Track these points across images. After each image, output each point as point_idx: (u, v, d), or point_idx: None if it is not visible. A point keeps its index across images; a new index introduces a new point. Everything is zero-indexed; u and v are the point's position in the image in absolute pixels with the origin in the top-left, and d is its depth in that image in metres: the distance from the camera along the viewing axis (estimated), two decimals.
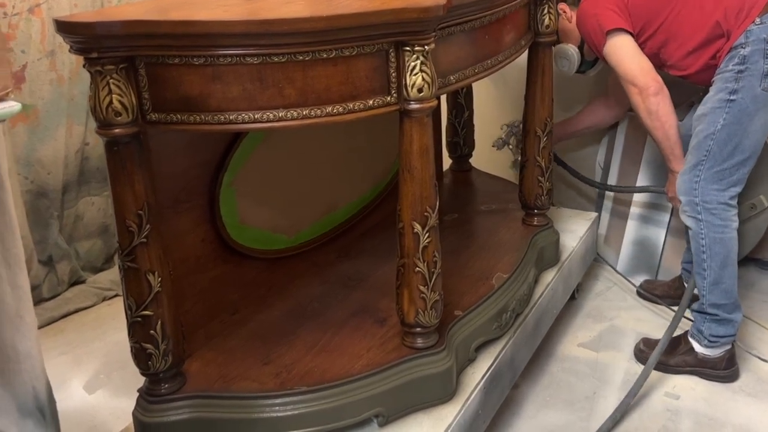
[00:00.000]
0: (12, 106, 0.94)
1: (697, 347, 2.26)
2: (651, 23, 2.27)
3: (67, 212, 2.71)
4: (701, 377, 2.27)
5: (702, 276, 2.21)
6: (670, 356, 2.28)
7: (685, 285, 2.60)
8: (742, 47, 2.07)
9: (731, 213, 2.16)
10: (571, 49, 2.51)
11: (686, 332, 2.31)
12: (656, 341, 2.28)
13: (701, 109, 2.17)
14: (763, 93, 2.06)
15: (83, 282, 2.78)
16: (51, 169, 2.62)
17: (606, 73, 2.60)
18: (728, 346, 2.25)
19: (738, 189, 2.16)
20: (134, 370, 1.58)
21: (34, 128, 2.55)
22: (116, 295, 2.78)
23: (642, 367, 2.24)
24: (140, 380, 1.61)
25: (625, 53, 2.29)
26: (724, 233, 2.16)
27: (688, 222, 2.21)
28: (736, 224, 2.17)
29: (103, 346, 2.47)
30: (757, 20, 2.06)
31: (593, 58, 2.52)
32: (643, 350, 2.36)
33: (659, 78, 2.25)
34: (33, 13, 2.47)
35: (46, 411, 1.35)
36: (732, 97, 2.08)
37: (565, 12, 2.49)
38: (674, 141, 2.29)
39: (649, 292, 2.69)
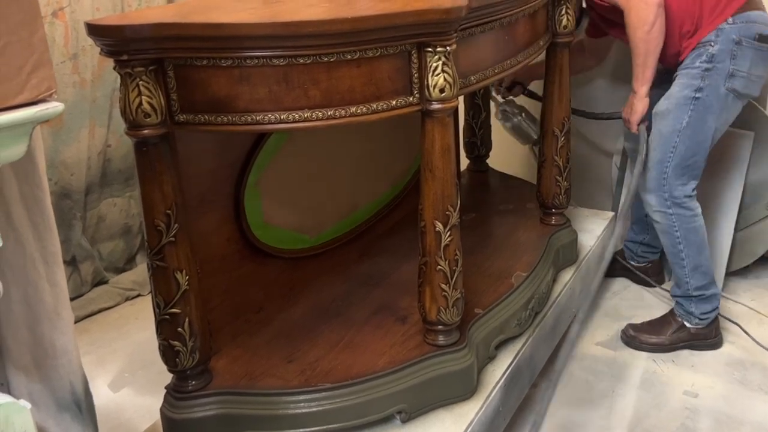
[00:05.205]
0: (56, 106, 0.97)
1: (688, 324, 2.38)
2: None
3: (89, 213, 2.75)
4: (695, 349, 2.40)
5: (681, 265, 2.33)
6: (663, 336, 2.39)
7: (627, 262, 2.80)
8: (710, 44, 2.11)
9: (695, 203, 2.28)
10: None
11: (672, 311, 2.43)
12: (642, 324, 2.45)
13: (664, 104, 2.21)
14: (726, 92, 2.13)
15: (106, 282, 2.81)
16: (74, 171, 2.65)
17: (623, 65, 2.61)
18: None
19: (697, 181, 2.26)
20: (158, 368, 1.60)
21: (57, 131, 2.59)
22: (138, 295, 2.82)
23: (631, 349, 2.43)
24: (164, 379, 1.62)
25: None
26: (695, 221, 2.29)
27: (657, 217, 2.31)
28: (700, 210, 2.29)
29: (126, 345, 2.50)
30: (730, 20, 2.09)
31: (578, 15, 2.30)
32: (633, 335, 2.45)
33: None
34: (56, 16, 2.50)
35: (82, 405, 1.38)
36: (697, 95, 2.14)
37: None
38: (651, 63, 2.17)
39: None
